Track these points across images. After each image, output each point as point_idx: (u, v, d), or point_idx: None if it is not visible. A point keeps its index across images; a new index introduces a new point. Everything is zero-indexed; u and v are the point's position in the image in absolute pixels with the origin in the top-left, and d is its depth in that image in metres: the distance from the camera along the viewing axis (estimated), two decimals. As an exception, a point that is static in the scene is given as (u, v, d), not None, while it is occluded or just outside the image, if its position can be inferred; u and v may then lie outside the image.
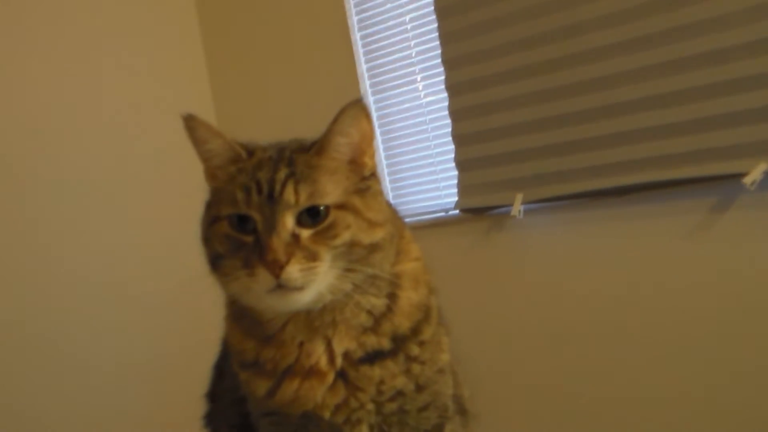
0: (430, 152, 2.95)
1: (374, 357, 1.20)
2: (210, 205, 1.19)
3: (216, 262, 1.15)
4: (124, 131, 2.97)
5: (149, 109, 3.05)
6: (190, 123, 1.17)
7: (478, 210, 2.71)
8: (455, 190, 2.79)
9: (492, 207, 2.67)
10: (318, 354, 1.19)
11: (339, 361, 1.20)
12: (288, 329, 1.19)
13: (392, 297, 1.21)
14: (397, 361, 1.21)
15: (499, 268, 2.72)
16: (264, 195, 1.11)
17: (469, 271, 2.77)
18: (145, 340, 2.85)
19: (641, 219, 2.40)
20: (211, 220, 1.16)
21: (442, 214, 2.90)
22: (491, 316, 2.75)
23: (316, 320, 1.18)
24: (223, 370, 1.40)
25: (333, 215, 1.12)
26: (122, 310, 2.83)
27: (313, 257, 1.08)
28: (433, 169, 2.95)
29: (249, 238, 1.11)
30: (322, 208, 1.11)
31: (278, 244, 1.07)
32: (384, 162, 3.06)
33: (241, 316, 1.24)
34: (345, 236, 1.11)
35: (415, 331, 1.23)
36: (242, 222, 1.12)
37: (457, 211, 2.80)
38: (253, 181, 1.12)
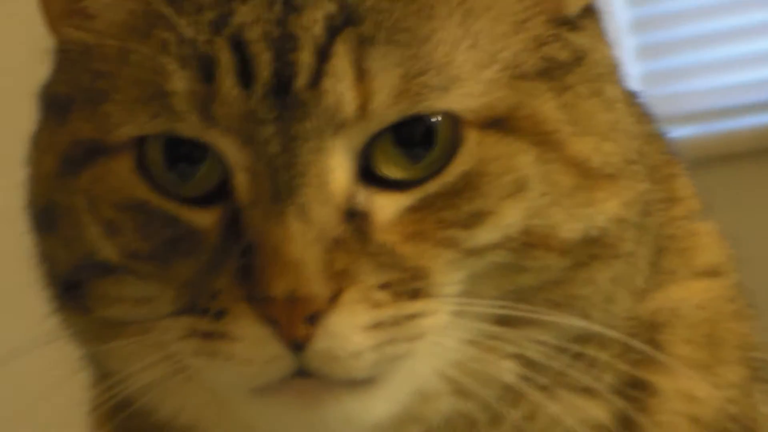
0: None
1: None
2: (63, 107, 0.50)
3: (84, 283, 0.49)
4: None
5: None
6: None
7: None
8: None
9: None
10: None
11: None
12: None
13: (640, 392, 0.51)
14: None
15: None
16: (261, 83, 0.45)
17: None
18: None
19: None
20: (73, 157, 0.49)
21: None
22: None
23: None
24: None
25: (472, 149, 0.46)
26: None
27: (409, 284, 0.44)
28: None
29: (206, 219, 0.46)
30: (437, 122, 0.45)
31: (305, 242, 0.43)
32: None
33: None
34: (509, 217, 0.46)
35: None
36: (183, 163, 0.47)
37: None
38: (223, 36, 0.46)
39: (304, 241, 0.43)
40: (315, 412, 0.46)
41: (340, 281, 0.43)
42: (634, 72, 1.93)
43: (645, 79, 1.99)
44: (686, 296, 0.54)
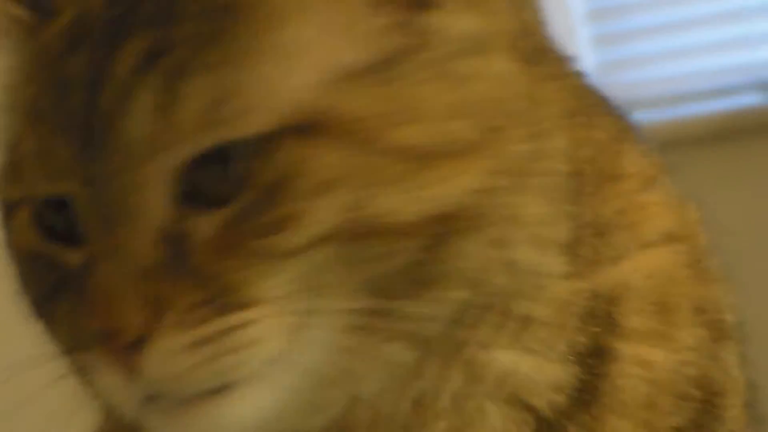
0: None
1: None
2: None
3: (40, 310, 0.53)
4: None
5: None
6: None
7: None
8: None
9: None
10: None
11: None
12: None
13: (599, 360, 0.52)
14: None
15: None
16: (79, 128, 0.47)
17: None
18: None
19: None
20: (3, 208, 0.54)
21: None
22: None
23: None
24: None
25: (280, 158, 0.46)
26: None
27: (227, 297, 0.46)
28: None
29: (75, 258, 0.49)
30: (245, 142, 0.46)
31: (119, 276, 0.46)
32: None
33: None
34: (320, 215, 0.45)
35: None
36: (60, 214, 0.50)
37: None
38: (58, 88, 0.49)
39: (117, 274, 0.45)
40: (187, 423, 0.48)
41: (157, 307, 0.45)
42: (590, 61, 1.94)
43: (601, 68, 1.99)
44: (636, 267, 0.54)
